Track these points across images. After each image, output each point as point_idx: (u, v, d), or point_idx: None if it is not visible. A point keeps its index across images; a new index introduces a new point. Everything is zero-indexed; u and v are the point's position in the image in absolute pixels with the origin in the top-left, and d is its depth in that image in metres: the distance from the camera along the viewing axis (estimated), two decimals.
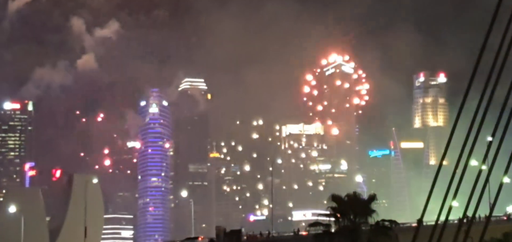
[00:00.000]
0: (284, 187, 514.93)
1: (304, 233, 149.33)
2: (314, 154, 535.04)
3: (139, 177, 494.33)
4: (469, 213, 58.65)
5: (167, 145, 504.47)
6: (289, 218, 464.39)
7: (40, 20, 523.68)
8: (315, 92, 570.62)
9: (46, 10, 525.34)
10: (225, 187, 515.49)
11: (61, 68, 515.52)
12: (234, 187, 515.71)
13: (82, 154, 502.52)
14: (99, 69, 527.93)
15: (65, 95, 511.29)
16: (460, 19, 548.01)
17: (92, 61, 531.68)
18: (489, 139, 58.21)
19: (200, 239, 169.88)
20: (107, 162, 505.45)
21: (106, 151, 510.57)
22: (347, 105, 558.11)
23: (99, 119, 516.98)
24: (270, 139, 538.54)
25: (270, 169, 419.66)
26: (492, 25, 57.15)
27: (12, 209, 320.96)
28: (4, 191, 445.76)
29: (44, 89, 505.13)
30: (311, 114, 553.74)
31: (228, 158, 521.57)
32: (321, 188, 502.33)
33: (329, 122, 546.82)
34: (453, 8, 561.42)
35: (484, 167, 58.05)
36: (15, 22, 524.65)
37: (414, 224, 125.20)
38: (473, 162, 58.22)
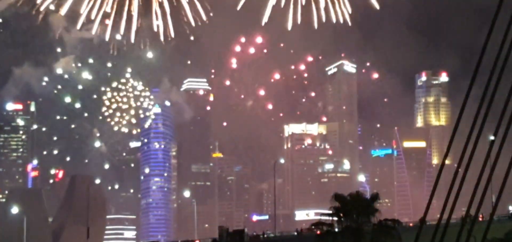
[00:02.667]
0: (287, 187, 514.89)
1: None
2: (317, 153, 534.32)
3: (142, 177, 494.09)
4: (472, 212, 58.52)
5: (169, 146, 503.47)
6: (292, 218, 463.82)
7: (20, 22, 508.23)
8: (318, 92, 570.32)
9: (26, 13, 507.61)
10: (227, 187, 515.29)
11: (40, 70, 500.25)
12: (237, 187, 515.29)
13: (82, 155, 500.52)
14: (80, 70, 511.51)
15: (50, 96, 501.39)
16: (461, 18, 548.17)
17: (71, 63, 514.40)
18: (492, 138, 58.02)
19: None
20: (108, 163, 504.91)
21: (106, 152, 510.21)
22: (350, 104, 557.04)
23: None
24: (272, 139, 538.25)
25: (273, 166, 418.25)
26: (493, 24, 57.07)
27: (15, 209, 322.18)
28: (6, 192, 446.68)
29: (23, 90, 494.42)
30: (313, 114, 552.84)
31: (231, 158, 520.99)
32: (324, 187, 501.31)
33: (332, 122, 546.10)
34: (455, 8, 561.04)
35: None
36: None
37: (417, 223, 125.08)
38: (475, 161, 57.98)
